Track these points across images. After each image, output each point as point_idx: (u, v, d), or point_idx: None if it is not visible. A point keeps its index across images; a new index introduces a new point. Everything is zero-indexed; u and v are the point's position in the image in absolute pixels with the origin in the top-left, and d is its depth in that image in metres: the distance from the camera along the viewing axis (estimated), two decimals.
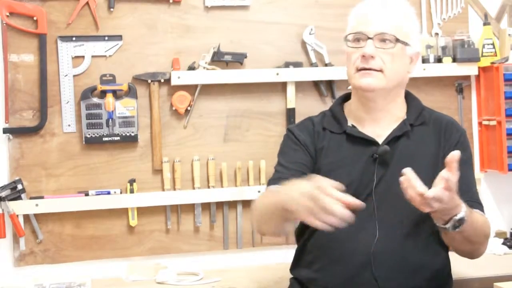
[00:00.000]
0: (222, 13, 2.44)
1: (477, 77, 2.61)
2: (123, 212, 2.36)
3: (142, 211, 2.37)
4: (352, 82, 1.80)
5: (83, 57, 2.34)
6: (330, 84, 2.49)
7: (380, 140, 1.78)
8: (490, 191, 2.64)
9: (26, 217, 2.28)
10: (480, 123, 2.64)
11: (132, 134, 2.35)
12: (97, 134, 2.33)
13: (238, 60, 2.42)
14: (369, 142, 1.78)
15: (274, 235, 1.85)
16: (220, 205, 2.43)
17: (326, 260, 1.75)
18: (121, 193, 2.34)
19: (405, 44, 1.76)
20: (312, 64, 2.47)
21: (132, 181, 2.35)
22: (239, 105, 2.45)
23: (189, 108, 2.40)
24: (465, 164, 1.69)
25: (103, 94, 2.32)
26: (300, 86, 2.46)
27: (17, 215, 2.25)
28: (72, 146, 2.34)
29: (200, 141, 2.42)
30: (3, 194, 2.24)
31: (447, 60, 2.54)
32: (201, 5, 2.42)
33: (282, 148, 1.90)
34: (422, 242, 1.73)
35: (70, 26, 2.33)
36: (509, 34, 2.60)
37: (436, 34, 2.60)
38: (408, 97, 1.88)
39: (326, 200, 1.34)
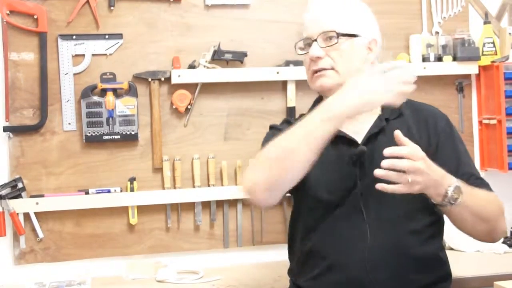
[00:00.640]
0: (223, 11, 2.44)
1: (478, 76, 2.62)
2: (123, 210, 2.36)
3: (142, 210, 2.37)
4: (310, 86, 1.83)
5: (83, 55, 2.34)
6: None
7: (359, 138, 1.75)
8: None
9: (26, 216, 2.29)
10: (480, 122, 2.64)
11: (133, 133, 2.35)
12: (98, 132, 2.32)
13: (238, 58, 2.42)
14: (350, 141, 1.75)
15: (299, 169, 1.62)
16: (220, 203, 2.43)
17: (322, 268, 1.73)
18: (121, 191, 2.34)
19: (351, 36, 1.76)
20: None
21: (132, 180, 2.35)
22: (240, 104, 2.46)
23: (189, 107, 2.40)
24: (460, 143, 1.80)
25: (103, 92, 2.33)
26: (300, 84, 2.46)
27: (17, 213, 2.26)
28: (73, 144, 2.34)
29: (201, 140, 2.43)
30: (4, 192, 2.25)
31: (447, 59, 2.54)
32: (202, 3, 2.42)
33: (266, 141, 1.78)
34: (415, 237, 1.71)
35: (70, 25, 2.33)
36: (510, 33, 2.60)
37: (437, 32, 2.60)
38: None
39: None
